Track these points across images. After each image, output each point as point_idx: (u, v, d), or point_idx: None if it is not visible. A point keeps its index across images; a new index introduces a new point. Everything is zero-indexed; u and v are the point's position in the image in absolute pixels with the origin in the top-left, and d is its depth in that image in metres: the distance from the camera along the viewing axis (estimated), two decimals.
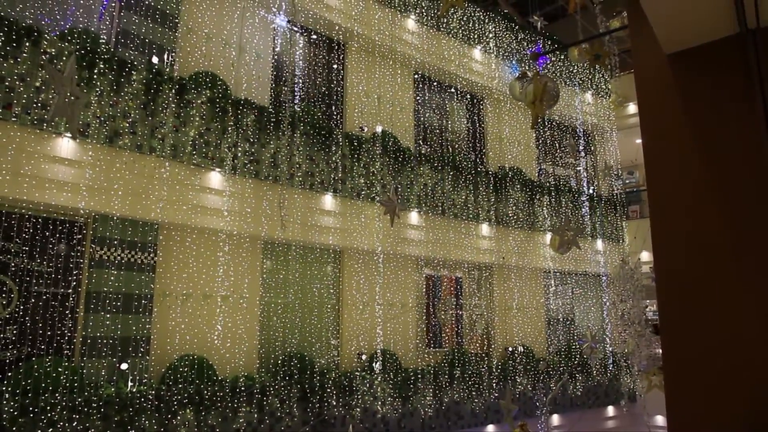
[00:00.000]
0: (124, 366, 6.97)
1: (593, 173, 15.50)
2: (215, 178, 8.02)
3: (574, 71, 14.97)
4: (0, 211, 6.56)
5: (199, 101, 7.95)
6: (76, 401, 6.29)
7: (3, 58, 6.31)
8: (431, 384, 9.87)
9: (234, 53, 8.91)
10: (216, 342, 8.03)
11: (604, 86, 15.80)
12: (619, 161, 15.83)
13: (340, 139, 9.50)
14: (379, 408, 9.07)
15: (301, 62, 10.09)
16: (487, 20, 13.01)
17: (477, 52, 12.57)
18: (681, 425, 3.20)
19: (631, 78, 14.45)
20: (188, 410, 7.11)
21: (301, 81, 9.92)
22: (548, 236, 12.52)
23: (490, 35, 12.98)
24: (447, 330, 11.31)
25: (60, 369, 6.34)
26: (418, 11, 11.49)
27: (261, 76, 9.23)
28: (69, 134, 6.64)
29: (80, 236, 7.20)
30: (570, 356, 12.73)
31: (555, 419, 11.48)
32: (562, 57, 14.70)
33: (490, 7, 13.19)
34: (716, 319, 3.10)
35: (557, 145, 14.73)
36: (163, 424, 6.90)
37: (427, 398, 9.76)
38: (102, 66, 7.05)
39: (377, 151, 9.96)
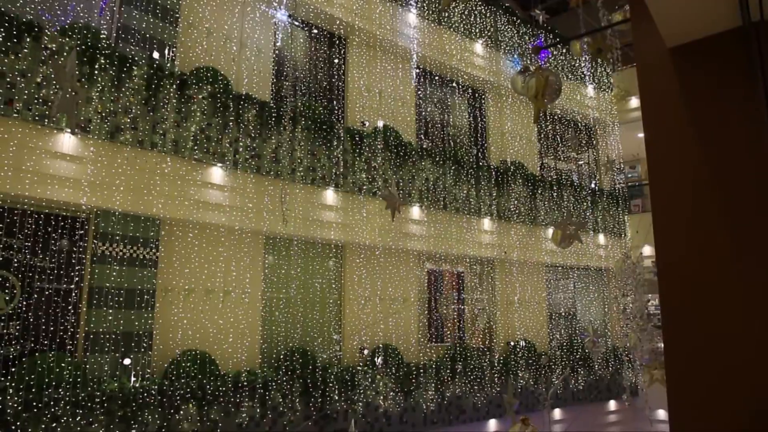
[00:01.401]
0: (126, 361, 6.99)
1: (595, 167, 15.46)
2: (217, 174, 8.02)
3: (576, 65, 14.91)
4: (2, 207, 6.57)
5: (200, 96, 7.94)
6: (80, 396, 6.32)
7: (4, 53, 6.31)
8: (433, 378, 9.89)
9: (235, 48, 8.89)
10: (218, 337, 8.06)
11: (606, 80, 15.74)
12: (621, 155, 15.78)
13: (342, 134, 9.49)
14: (381, 402, 9.09)
15: (302, 57, 10.07)
16: (488, 14, 12.95)
17: (479, 46, 12.53)
18: (683, 419, 3.20)
19: (633, 72, 14.40)
20: (191, 405, 7.14)
21: (302, 76, 9.90)
22: (550, 230, 12.51)
23: (492, 29, 12.93)
24: (449, 324, 11.32)
25: (63, 364, 6.36)
26: (419, 5, 11.44)
27: (262, 71, 9.21)
28: (68, 129, 6.64)
29: (82, 232, 7.21)
30: (572, 350, 12.74)
31: (557, 413, 11.50)
32: (564, 51, 14.65)
33: (492, 1, 13.13)
34: (718, 313, 3.10)
35: (559, 139, 14.69)
36: (166, 419, 6.93)
37: (429, 393, 9.78)
38: (103, 61, 7.04)
39: (379, 146, 9.95)
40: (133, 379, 6.93)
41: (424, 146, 11.14)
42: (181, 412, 7.05)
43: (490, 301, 12.12)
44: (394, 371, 9.37)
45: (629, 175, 18.39)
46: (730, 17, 3.15)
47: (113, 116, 7.11)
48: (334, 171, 9.28)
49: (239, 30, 9.02)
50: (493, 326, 12.03)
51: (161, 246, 7.72)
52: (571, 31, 15.31)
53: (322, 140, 9.23)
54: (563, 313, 13.64)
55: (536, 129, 13.96)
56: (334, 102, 10.32)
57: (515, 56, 13.29)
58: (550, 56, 14.28)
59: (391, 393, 9.24)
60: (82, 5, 7.53)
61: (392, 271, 10.33)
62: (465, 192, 11.28)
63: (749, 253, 3.05)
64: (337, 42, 10.56)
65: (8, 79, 6.31)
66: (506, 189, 12.14)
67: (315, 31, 10.33)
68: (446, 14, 11.93)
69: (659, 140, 3.50)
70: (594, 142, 15.65)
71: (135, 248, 7.35)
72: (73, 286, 7.05)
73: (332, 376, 8.59)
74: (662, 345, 3.37)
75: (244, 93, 8.46)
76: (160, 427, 6.87)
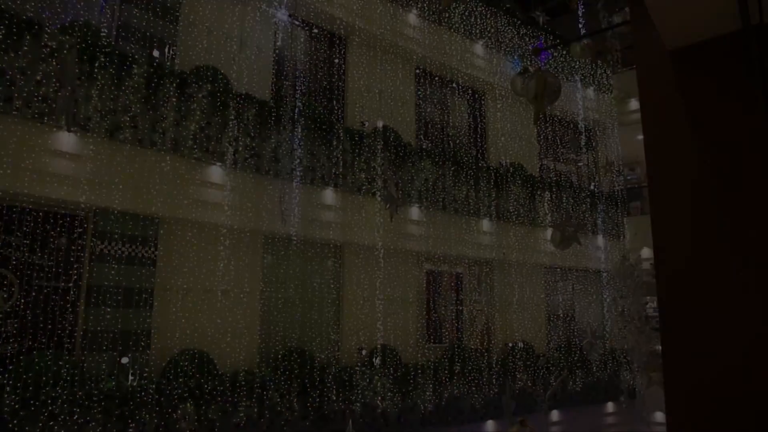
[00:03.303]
0: (124, 360, 6.98)
1: (594, 169, 15.47)
2: (216, 173, 8.02)
3: (576, 67, 14.92)
4: (1, 205, 6.56)
5: (200, 95, 7.93)
6: (77, 395, 6.31)
7: (4, 51, 6.30)
8: (431, 379, 9.88)
9: (235, 47, 8.88)
10: (216, 336, 8.04)
11: (606, 82, 15.74)
12: (621, 157, 15.79)
13: (341, 134, 9.48)
14: (379, 403, 9.08)
15: (302, 56, 10.06)
16: (489, 15, 12.95)
17: (479, 47, 12.53)
18: (680, 421, 3.21)
19: (633, 74, 14.39)
20: (189, 404, 7.13)
21: (302, 75, 9.89)
22: (549, 232, 12.51)
23: (492, 30, 12.93)
24: (447, 325, 11.31)
25: (61, 363, 6.35)
26: (419, 5, 11.44)
27: (262, 71, 9.20)
28: (66, 126, 6.63)
29: (81, 230, 7.20)
30: (570, 352, 12.74)
31: (555, 415, 11.51)
32: (564, 52, 14.65)
33: (492, 1, 13.14)
34: (716, 315, 3.10)
35: (559, 140, 14.70)
36: (163, 418, 6.92)
37: (427, 393, 9.77)
38: (103, 59, 7.03)
39: (378, 146, 9.94)
40: (130, 377, 6.92)
41: (424, 147, 11.14)
42: (179, 411, 7.04)
43: (489, 302, 12.12)
44: (392, 372, 9.36)
45: (628, 177, 18.38)
46: (730, 20, 3.15)
47: (113, 114, 7.10)
48: (333, 171, 9.27)
49: (239, 29, 9.01)
50: (492, 327, 12.03)
51: (160, 245, 7.70)
52: (572, 33, 15.31)
53: (321, 140, 9.22)
54: (562, 315, 13.64)
55: (536, 130, 13.96)
56: (334, 102, 10.32)
57: (515, 57, 13.30)
58: (550, 58, 14.29)
59: (389, 393, 9.23)
60: (82, 3, 7.52)
61: (391, 272, 10.32)
62: (464, 193, 11.28)
63: (748, 256, 3.05)
64: (337, 42, 10.55)
65: (8, 77, 6.30)
66: (505, 190, 12.14)
67: (315, 30, 10.33)
68: (446, 15, 11.93)
69: (659, 142, 3.51)
70: (593, 144, 15.65)
71: (133, 247, 7.34)
72: (71, 285, 7.04)
73: (330, 376, 8.58)
74: (660, 347, 3.37)
75: (243, 92, 8.46)
76: (157, 426, 6.86)
